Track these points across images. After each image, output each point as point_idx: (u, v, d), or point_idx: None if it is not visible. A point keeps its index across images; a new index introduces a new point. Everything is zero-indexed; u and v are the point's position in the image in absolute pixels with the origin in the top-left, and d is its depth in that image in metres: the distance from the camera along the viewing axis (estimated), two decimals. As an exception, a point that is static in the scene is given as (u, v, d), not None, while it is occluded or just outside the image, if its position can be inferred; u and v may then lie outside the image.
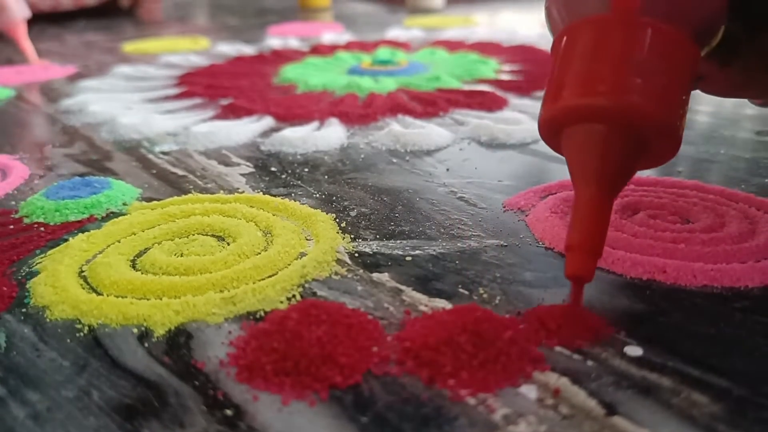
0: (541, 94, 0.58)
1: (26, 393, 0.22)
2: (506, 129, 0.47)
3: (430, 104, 0.56)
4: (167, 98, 0.64)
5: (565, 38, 0.25)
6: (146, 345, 0.25)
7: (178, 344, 0.25)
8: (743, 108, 0.52)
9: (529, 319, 0.24)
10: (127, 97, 0.64)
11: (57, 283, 0.29)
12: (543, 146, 0.45)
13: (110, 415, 0.21)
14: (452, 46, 0.82)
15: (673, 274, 0.27)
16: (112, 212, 0.37)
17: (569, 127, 0.25)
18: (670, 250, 0.29)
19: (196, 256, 0.31)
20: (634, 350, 0.23)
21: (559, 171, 0.40)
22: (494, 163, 0.42)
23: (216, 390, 0.22)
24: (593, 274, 0.24)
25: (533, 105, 0.55)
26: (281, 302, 0.27)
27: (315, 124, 0.52)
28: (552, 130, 0.26)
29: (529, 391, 0.21)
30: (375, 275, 0.29)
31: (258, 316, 0.26)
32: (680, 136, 0.25)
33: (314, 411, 0.21)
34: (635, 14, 0.24)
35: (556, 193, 0.36)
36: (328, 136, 0.48)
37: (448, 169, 0.41)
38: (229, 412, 0.21)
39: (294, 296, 0.27)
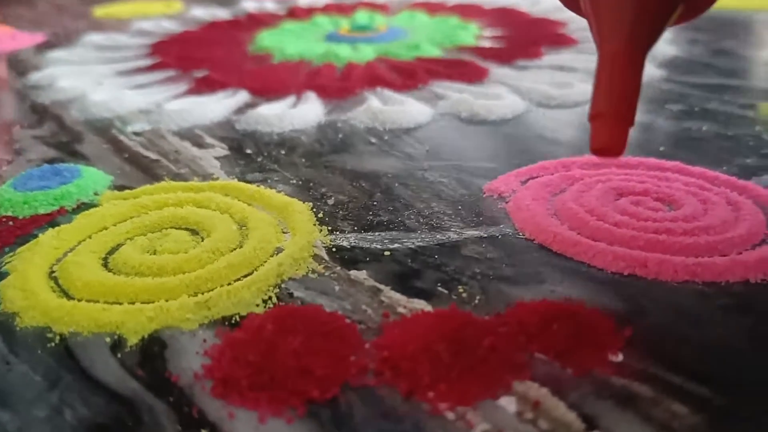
0: (522, 63, 0.57)
1: (-4, 412, 0.22)
2: (487, 104, 0.46)
3: (410, 76, 0.54)
4: (139, 70, 0.62)
5: None
6: (119, 356, 0.24)
7: (152, 354, 0.24)
8: (729, 78, 0.51)
9: (510, 321, 0.24)
10: (97, 69, 0.62)
11: (26, 286, 0.28)
12: (524, 122, 0.44)
13: (82, 437, 0.21)
14: (432, 8, 0.81)
15: (654, 268, 0.27)
16: (83, 203, 0.36)
17: None
18: (652, 242, 0.28)
19: (170, 254, 0.30)
20: (615, 356, 0.23)
21: (540, 150, 0.39)
22: (474, 142, 0.41)
23: (191, 406, 0.21)
24: (624, 146, 0.21)
25: (514, 75, 0.54)
26: (257, 305, 0.26)
27: (291, 98, 0.51)
28: None
29: (508, 403, 0.21)
30: (353, 273, 0.28)
31: (233, 321, 0.25)
32: None
33: (292, 428, 0.20)
34: None
35: (537, 177, 0.36)
36: (304, 113, 0.47)
37: (428, 150, 0.40)
38: (203, 431, 0.21)
39: (270, 298, 0.27)
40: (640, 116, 0.34)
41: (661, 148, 0.39)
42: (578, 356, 0.22)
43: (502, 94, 0.48)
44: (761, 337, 0.23)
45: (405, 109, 0.46)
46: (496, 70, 0.55)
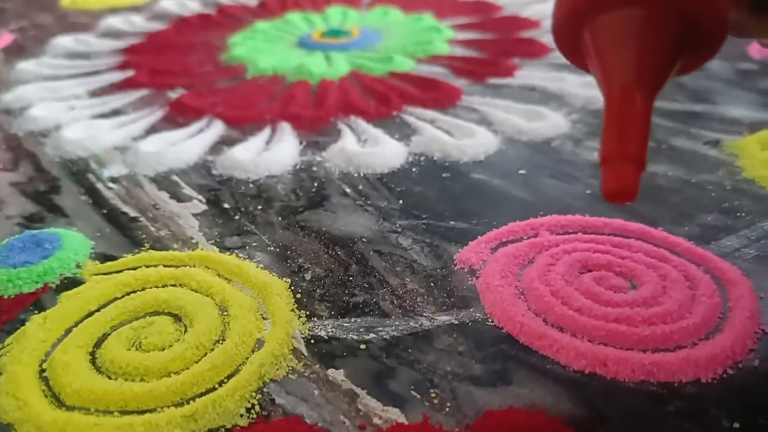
0: (494, 81, 0.58)
1: None
2: (459, 145, 0.46)
3: (383, 101, 0.55)
4: (111, 88, 0.62)
5: None
6: (113, 479, 0.26)
7: (144, 477, 0.26)
8: (698, 103, 0.52)
9: (477, 437, 0.26)
10: (69, 87, 0.62)
11: (19, 392, 0.29)
12: (495, 164, 0.45)
13: None
14: (405, 2, 0.80)
15: (613, 368, 0.29)
16: (67, 277, 0.37)
17: (600, 17, 0.23)
18: (612, 332, 0.30)
19: (155, 350, 0.31)
20: (574, 476, 0.25)
21: (511, 202, 0.41)
22: (447, 193, 0.42)
23: None
24: (636, 190, 0.21)
25: (486, 99, 0.54)
26: (241, 416, 0.28)
27: (266, 132, 0.51)
28: (576, 23, 0.23)
29: None
30: (330, 372, 0.30)
31: (219, 436, 0.27)
32: (727, 21, 0.22)
33: None
34: None
35: (506, 244, 0.37)
36: (279, 155, 0.47)
37: (401, 202, 0.42)
38: None
39: (253, 406, 0.28)
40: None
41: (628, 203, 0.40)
42: (540, 479, 0.24)
43: (474, 130, 0.49)
44: (708, 451, 0.25)
45: (379, 151, 0.46)
46: (468, 90, 0.56)
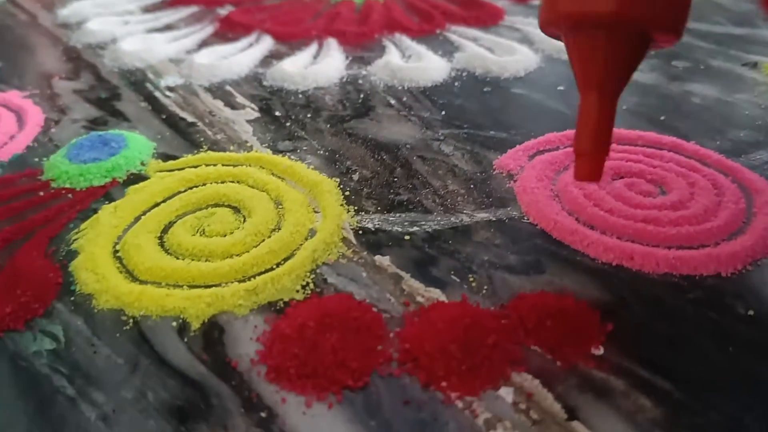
0: (537, 2, 0.59)
1: (92, 393, 0.27)
2: (500, 62, 0.48)
3: (427, 19, 0.56)
4: (163, 5, 0.64)
5: None
6: (185, 340, 0.29)
7: (213, 339, 0.29)
8: (737, 26, 0.53)
9: (511, 315, 0.29)
10: (122, 4, 0.64)
11: (97, 268, 0.33)
12: (535, 80, 0.47)
13: (166, 418, 0.26)
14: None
15: (639, 261, 0.31)
16: (133, 173, 0.40)
17: (567, 34, 0.27)
18: (640, 231, 0.32)
19: (218, 236, 0.34)
20: (597, 349, 0.27)
21: (549, 114, 0.42)
22: (488, 105, 0.44)
23: (250, 391, 0.27)
24: (601, 175, 0.27)
25: (527, 19, 0.55)
26: (297, 291, 0.31)
27: (313, 47, 0.53)
28: (552, 32, 0.27)
29: (507, 394, 0.26)
30: (377, 258, 0.32)
31: (278, 307, 0.30)
32: (683, 28, 0.25)
33: (332, 414, 0.25)
34: None
35: (543, 152, 0.39)
36: (326, 68, 0.49)
37: (443, 114, 0.44)
38: (263, 414, 0.26)
39: (308, 284, 0.31)
40: (647, 77, 0.38)
41: (662, 118, 0.41)
42: (566, 350, 0.27)
43: (515, 48, 0.50)
44: (722, 333, 0.28)
45: (422, 65, 0.48)
46: (511, 10, 0.57)
